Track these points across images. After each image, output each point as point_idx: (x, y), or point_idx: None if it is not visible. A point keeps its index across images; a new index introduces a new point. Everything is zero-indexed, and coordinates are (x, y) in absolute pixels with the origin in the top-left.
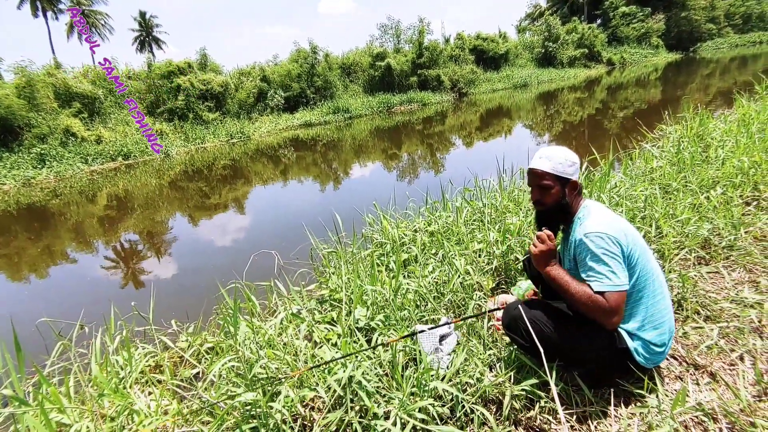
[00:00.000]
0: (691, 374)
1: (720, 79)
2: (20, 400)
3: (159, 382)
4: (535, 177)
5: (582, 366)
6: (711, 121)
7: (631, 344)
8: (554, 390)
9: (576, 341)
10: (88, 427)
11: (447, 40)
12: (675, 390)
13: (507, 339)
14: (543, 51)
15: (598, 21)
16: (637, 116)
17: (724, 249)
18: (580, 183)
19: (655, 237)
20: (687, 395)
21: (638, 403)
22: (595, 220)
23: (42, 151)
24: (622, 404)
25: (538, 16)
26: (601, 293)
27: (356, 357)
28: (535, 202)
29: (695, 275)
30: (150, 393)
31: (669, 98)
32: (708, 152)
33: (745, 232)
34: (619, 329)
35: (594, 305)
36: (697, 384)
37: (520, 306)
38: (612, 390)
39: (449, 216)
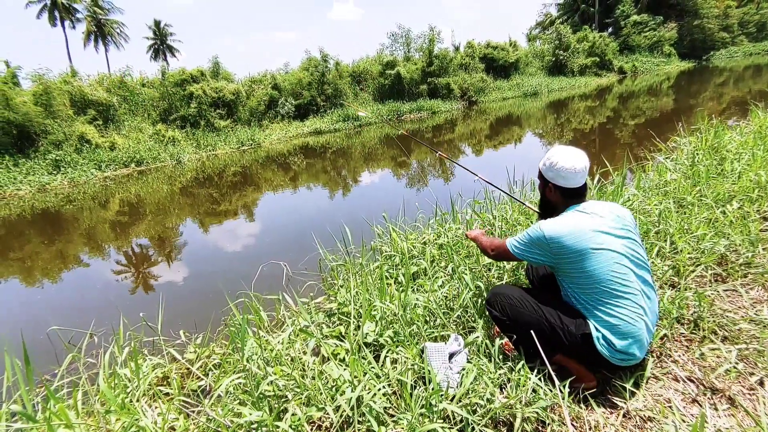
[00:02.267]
0: (708, 398)
1: (734, 87)
2: (28, 416)
3: (166, 394)
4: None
5: (555, 348)
6: (726, 133)
7: (594, 333)
8: (566, 412)
9: (547, 317)
10: None
11: (457, 49)
12: (692, 415)
13: (515, 353)
14: (553, 59)
15: (610, 29)
16: (649, 125)
17: (742, 266)
18: (562, 188)
19: (669, 252)
20: (705, 421)
21: (654, 429)
22: (552, 220)
23: (57, 158)
24: (637, 429)
25: (548, 24)
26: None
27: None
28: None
29: (712, 293)
30: (157, 407)
31: (682, 107)
32: (723, 165)
33: (763, 249)
34: (587, 318)
35: (489, 243)
36: (716, 409)
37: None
38: (626, 414)
39: (458, 228)
